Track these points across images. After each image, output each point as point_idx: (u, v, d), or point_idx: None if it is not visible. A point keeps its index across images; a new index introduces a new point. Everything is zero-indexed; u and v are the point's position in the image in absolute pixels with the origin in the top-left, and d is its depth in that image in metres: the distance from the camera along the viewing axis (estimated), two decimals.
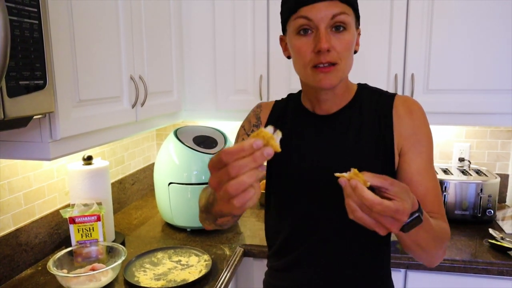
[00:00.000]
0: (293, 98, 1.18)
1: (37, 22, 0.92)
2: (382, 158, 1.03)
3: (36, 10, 0.91)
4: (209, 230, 1.85)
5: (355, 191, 0.74)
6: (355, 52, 1.03)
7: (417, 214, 0.79)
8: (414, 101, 1.06)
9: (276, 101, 1.22)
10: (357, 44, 1.03)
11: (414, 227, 0.80)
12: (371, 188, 0.76)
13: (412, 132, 1.03)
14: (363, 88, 1.11)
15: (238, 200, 0.64)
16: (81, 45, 1.21)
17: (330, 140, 1.07)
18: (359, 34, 1.03)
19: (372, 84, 1.15)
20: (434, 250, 0.93)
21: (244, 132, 1.21)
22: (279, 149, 0.66)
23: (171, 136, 1.90)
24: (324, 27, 0.93)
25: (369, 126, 1.05)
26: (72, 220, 1.45)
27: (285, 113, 1.17)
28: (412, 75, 1.80)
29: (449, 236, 1.00)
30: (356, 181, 0.74)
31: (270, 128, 0.67)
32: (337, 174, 0.78)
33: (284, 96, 1.24)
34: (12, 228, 1.45)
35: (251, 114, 1.23)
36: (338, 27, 0.94)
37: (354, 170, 0.77)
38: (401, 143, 1.03)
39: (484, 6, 1.71)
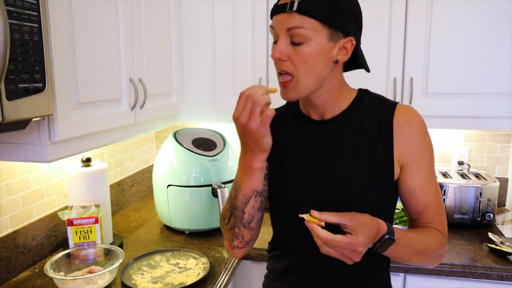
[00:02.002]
0: (292, 104, 1.18)
1: (37, 25, 0.92)
2: (379, 167, 1.02)
3: (36, 13, 0.91)
4: (208, 232, 1.85)
5: (312, 232, 0.88)
6: (337, 61, 0.98)
7: (386, 237, 0.91)
8: (416, 113, 1.04)
9: (275, 109, 1.21)
10: (344, 55, 0.98)
11: (387, 247, 0.92)
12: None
13: (413, 145, 1.02)
14: (363, 93, 1.09)
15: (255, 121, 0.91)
16: (81, 48, 1.21)
17: (327, 146, 1.07)
18: (351, 42, 0.98)
19: (371, 88, 1.15)
20: (417, 261, 1.03)
21: None
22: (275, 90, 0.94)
23: (170, 138, 1.90)
24: (283, 38, 0.95)
25: (368, 134, 1.03)
26: (70, 222, 1.45)
27: (284, 119, 1.16)
28: (411, 79, 1.80)
29: (441, 246, 1.03)
30: (311, 224, 0.88)
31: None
32: (301, 216, 0.91)
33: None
34: (10, 230, 1.45)
35: None
36: (296, 39, 0.95)
37: (308, 216, 0.90)
38: (402, 155, 1.02)
39: (483, 10, 1.71)
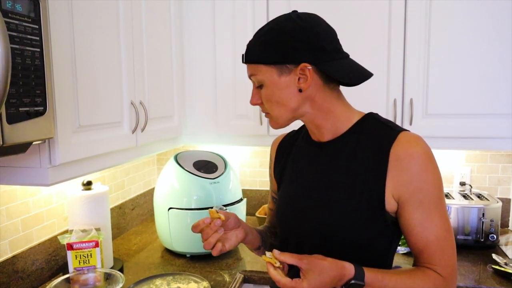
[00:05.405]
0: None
1: (38, 50, 0.93)
2: (367, 197, 0.99)
3: (38, 38, 0.93)
4: (209, 255, 1.83)
5: (268, 271, 0.95)
6: (300, 90, 1.00)
7: (352, 282, 0.91)
8: (420, 144, 0.97)
9: (291, 132, 1.26)
10: (305, 81, 0.99)
11: None
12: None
13: (411, 179, 0.96)
14: (369, 118, 1.07)
15: (213, 251, 1.07)
16: (82, 71, 1.22)
17: (319, 168, 1.08)
18: (306, 68, 0.98)
19: (371, 109, 1.13)
20: None
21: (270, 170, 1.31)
22: (223, 218, 1.08)
23: (171, 161, 1.90)
24: (253, 85, 1.08)
25: (362, 160, 1.01)
26: (70, 247, 1.43)
27: (295, 142, 1.21)
28: (411, 100, 1.81)
29: None
30: (268, 264, 0.95)
31: (219, 210, 1.12)
32: (264, 255, 0.98)
33: None
34: (9, 255, 1.44)
35: None
36: (258, 84, 1.05)
37: (269, 255, 0.97)
38: (398, 188, 0.97)
39: (482, 30, 1.72)
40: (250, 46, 1.04)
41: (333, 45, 1.01)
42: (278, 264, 0.95)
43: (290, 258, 0.93)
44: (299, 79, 1.00)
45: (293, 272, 0.95)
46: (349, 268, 0.92)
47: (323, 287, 0.90)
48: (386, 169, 0.97)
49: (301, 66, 0.98)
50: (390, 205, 0.98)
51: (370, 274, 0.93)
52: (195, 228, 1.09)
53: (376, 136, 1.02)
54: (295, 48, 0.98)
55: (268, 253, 0.97)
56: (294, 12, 1.03)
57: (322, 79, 1.01)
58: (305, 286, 0.89)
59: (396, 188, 0.97)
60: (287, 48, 0.98)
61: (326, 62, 0.99)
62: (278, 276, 0.92)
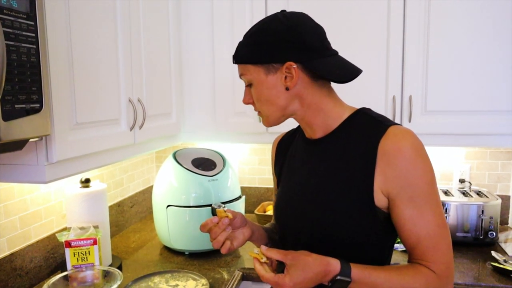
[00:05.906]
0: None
1: (34, 46, 0.93)
2: (356, 193, 0.98)
3: (33, 35, 0.92)
4: (208, 253, 1.84)
5: (254, 267, 0.98)
6: (287, 88, 1.01)
7: (338, 278, 0.91)
8: (409, 137, 0.95)
9: (290, 130, 1.26)
10: (291, 80, 1.00)
11: (342, 287, 0.92)
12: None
13: (398, 174, 0.94)
14: (359, 113, 1.05)
15: (222, 249, 1.10)
16: (79, 68, 1.22)
17: (311, 165, 1.08)
18: (291, 66, 0.99)
19: (370, 106, 1.10)
20: None
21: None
22: (230, 216, 1.10)
23: (170, 158, 1.89)
24: (245, 85, 1.09)
25: (351, 157, 1.00)
26: (68, 244, 1.43)
27: (293, 140, 1.21)
28: (410, 97, 1.80)
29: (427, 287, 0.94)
30: (254, 259, 0.99)
31: (220, 208, 1.13)
32: (250, 253, 1.01)
33: None
34: (7, 253, 1.43)
35: None
36: (248, 83, 1.07)
37: (257, 251, 1.00)
38: (386, 184, 0.95)
39: (481, 27, 1.72)
40: (239, 46, 1.07)
41: (320, 43, 1.01)
42: (264, 260, 0.98)
43: (276, 254, 0.95)
44: (285, 77, 1.00)
45: (283, 268, 0.95)
46: (334, 264, 0.92)
47: (306, 283, 0.91)
48: (374, 164, 0.95)
49: (286, 65, 0.99)
50: (379, 201, 0.97)
51: (357, 270, 0.92)
52: (203, 228, 1.11)
53: (366, 131, 1.00)
54: (280, 47, 0.99)
55: (256, 249, 1.00)
56: (282, 11, 1.03)
57: (309, 76, 1.01)
58: (287, 281, 0.90)
59: (385, 184, 0.95)
60: (272, 48, 1.00)
61: (313, 60, 0.99)
62: (262, 271, 0.95)
